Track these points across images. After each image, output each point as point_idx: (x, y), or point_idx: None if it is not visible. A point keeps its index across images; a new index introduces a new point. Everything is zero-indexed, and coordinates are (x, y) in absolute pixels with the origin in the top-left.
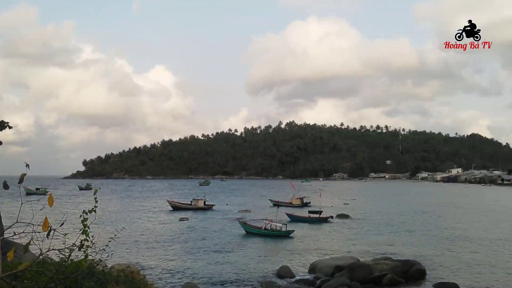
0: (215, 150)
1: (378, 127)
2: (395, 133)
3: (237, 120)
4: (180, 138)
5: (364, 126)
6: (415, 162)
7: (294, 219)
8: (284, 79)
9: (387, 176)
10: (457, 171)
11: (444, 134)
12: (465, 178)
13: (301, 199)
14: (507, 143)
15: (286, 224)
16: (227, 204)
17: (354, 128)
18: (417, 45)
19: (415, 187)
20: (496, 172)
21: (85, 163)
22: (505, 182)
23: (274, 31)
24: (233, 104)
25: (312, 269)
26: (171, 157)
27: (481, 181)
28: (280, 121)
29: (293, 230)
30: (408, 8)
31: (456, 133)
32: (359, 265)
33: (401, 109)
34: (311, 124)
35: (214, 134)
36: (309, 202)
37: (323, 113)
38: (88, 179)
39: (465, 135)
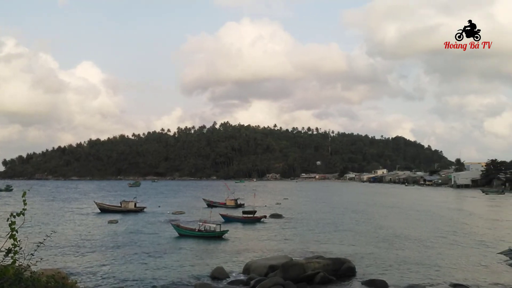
0: (146, 150)
1: (309, 129)
2: (325, 135)
3: (170, 120)
4: (108, 138)
5: (296, 127)
6: (343, 163)
7: (228, 219)
8: (218, 79)
9: (317, 176)
10: (382, 172)
11: (370, 137)
12: (390, 178)
13: (235, 200)
14: (428, 145)
15: (220, 225)
16: (159, 206)
17: (287, 130)
18: (346, 50)
19: (344, 187)
20: (419, 173)
21: (5, 163)
22: (427, 182)
23: (208, 31)
24: (166, 104)
25: (247, 269)
26: (99, 157)
27: (405, 181)
28: (215, 122)
29: (227, 231)
30: (337, 14)
31: (382, 136)
32: (292, 264)
33: (331, 112)
34: (245, 125)
35: (146, 133)
36: (243, 204)
37: (257, 114)
38: (8, 179)
39: (390, 138)
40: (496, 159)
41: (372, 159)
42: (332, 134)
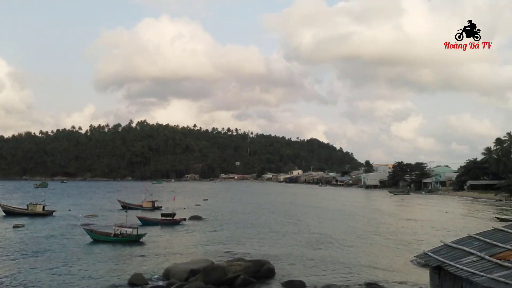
0: (55, 149)
1: (229, 129)
2: (244, 135)
3: (82, 117)
4: (13, 135)
5: (216, 128)
6: (262, 163)
7: (146, 222)
8: (135, 76)
9: (236, 177)
10: (298, 173)
11: (287, 138)
12: (305, 179)
13: (153, 202)
14: (340, 147)
15: (137, 228)
16: (69, 210)
17: (207, 130)
18: (265, 54)
19: (262, 187)
20: (331, 174)
21: None
22: (339, 183)
23: (125, 26)
24: (77, 100)
25: (166, 274)
26: (2, 156)
27: (319, 181)
28: (131, 120)
29: (145, 234)
30: (257, 17)
31: (298, 137)
32: (214, 268)
33: (250, 113)
34: (163, 124)
35: (55, 131)
36: (161, 207)
37: (176, 114)
38: None
39: (305, 139)
40: (402, 162)
41: (289, 160)
42: (251, 135)
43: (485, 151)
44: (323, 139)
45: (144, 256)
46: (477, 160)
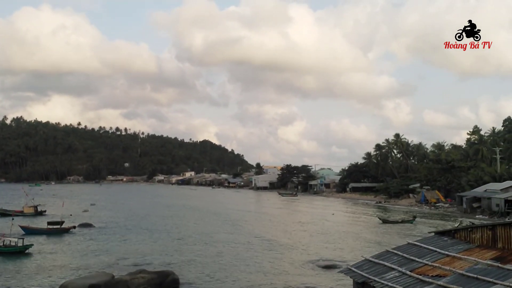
0: None
1: (117, 129)
2: (134, 136)
3: None
4: None
5: (104, 127)
6: (153, 165)
7: (30, 231)
8: (10, 68)
9: (124, 179)
10: (190, 174)
11: (179, 139)
12: (197, 180)
13: (35, 207)
14: (232, 149)
15: (23, 239)
16: None
17: (93, 129)
18: (156, 52)
19: (153, 189)
20: (224, 176)
21: None
22: (231, 185)
23: None
24: None
25: None
26: None
27: (212, 183)
28: (5, 116)
29: (31, 245)
30: (147, 14)
31: (190, 139)
32: (116, 282)
33: (140, 112)
34: (43, 121)
35: None
36: (45, 211)
37: (58, 111)
38: None
39: (198, 141)
40: (290, 164)
41: (181, 161)
42: (142, 136)
43: (365, 156)
44: (215, 140)
45: (33, 271)
46: (358, 163)
